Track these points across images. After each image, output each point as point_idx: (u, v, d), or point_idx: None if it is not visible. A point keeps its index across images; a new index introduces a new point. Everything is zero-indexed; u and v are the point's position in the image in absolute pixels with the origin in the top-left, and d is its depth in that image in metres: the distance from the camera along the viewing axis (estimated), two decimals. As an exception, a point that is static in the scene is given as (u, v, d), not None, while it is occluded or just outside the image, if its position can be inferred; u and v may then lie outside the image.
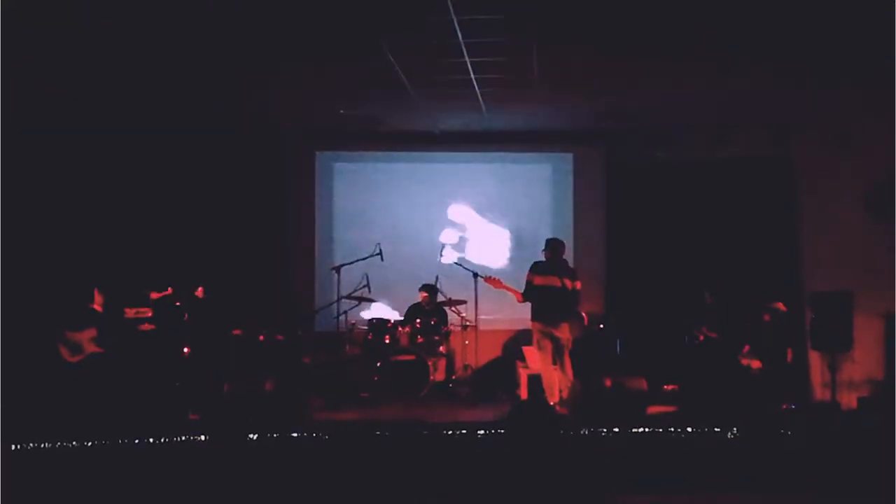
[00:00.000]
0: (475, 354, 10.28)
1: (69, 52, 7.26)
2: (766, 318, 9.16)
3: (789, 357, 9.08)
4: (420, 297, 10.24)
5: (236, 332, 9.43)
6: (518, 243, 11.03)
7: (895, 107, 7.57)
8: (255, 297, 10.02)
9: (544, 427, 6.44)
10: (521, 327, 9.98)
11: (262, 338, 9.44)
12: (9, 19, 6.00)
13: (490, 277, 8.81)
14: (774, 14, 6.41)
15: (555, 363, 8.50)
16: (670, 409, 8.69)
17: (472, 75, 8.01)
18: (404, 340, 9.89)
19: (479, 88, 8.51)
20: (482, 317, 10.08)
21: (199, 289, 8.84)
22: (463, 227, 11.14)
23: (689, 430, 7.16)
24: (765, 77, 8.15)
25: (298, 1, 6.21)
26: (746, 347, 9.12)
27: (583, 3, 6.27)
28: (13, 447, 6.53)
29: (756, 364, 8.97)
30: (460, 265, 9.99)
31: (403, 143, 11.00)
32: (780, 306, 9.23)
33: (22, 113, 8.73)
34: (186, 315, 8.92)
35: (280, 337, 9.56)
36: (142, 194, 10.29)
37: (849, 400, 9.46)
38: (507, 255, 11.02)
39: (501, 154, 11.22)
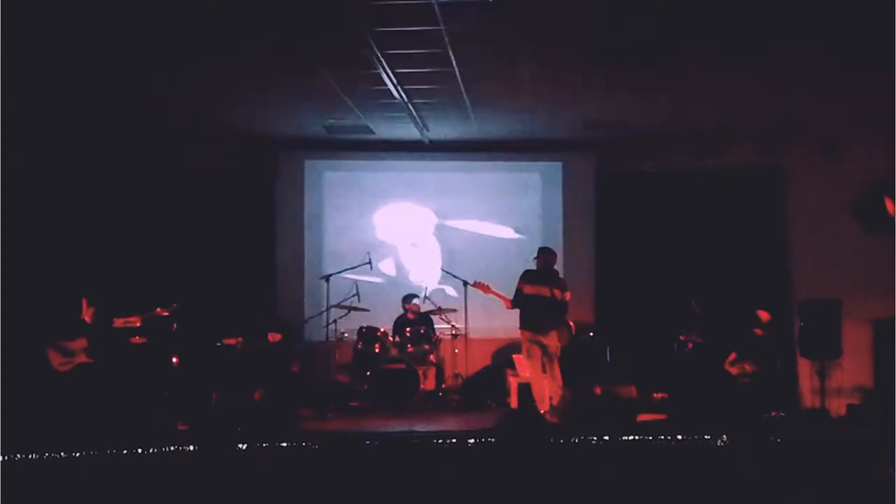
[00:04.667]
0: (465, 363, 10.27)
1: (54, 54, 7.22)
2: (759, 332, 9.18)
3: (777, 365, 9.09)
4: (403, 307, 10.24)
5: (225, 341, 9.39)
6: (507, 252, 11.01)
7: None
8: (245, 306, 9.99)
9: (534, 438, 6.45)
10: (510, 336, 9.97)
11: (251, 347, 9.40)
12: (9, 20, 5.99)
13: (479, 283, 8.85)
14: (766, 22, 6.44)
15: (544, 371, 8.52)
16: (660, 416, 8.70)
17: (461, 83, 8.02)
18: (394, 349, 9.88)
19: (467, 96, 8.53)
20: (472, 325, 10.07)
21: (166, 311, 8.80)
22: (453, 236, 11.13)
23: (679, 437, 7.17)
24: (755, 86, 8.19)
25: (288, 11, 6.22)
26: (733, 355, 9.14)
27: (575, 11, 6.29)
28: (1, 458, 6.49)
29: (744, 369, 8.98)
30: (450, 273, 9.99)
31: (393, 151, 10.99)
32: (763, 315, 9.23)
33: (12, 123, 8.70)
34: (175, 325, 8.88)
35: (269, 346, 9.52)
36: (130, 204, 10.25)
37: (838, 407, 9.50)
38: (497, 263, 11.00)
39: (491, 163, 11.23)
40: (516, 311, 8.72)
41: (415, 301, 10.22)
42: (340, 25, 6.38)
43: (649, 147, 10.65)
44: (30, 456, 6.66)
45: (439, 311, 10.19)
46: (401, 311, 10.34)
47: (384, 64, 7.32)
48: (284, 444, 7.06)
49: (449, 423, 8.75)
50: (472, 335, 10.23)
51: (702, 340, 9.56)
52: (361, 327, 10.08)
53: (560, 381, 8.52)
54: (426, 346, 9.93)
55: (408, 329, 9.96)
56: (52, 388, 8.03)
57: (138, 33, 6.67)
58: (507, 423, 8.08)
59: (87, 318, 8.41)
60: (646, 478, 6.73)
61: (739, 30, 6.62)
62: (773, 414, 8.77)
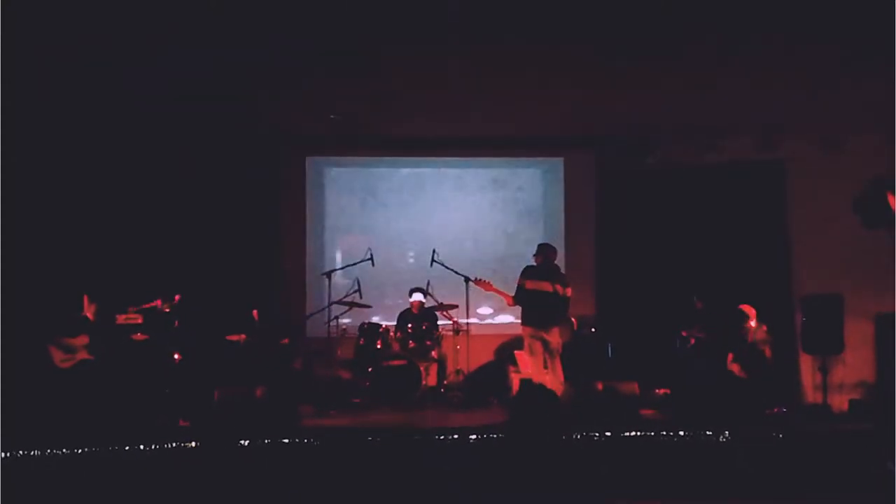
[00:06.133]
0: (467, 359, 10.25)
1: (55, 51, 7.22)
2: (750, 326, 9.10)
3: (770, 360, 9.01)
4: (410, 302, 10.22)
5: (228, 338, 9.38)
6: (509, 248, 11.02)
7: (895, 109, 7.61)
8: (247, 302, 9.96)
9: (548, 413, 6.47)
10: (512, 332, 9.97)
11: (252, 343, 9.39)
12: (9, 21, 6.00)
13: (480, 280, 8.86)
14: (767, 17, 6.44)
15: (546, 367, 8.52)
16: (662, 412, 8.69)
17: (463, 80, 8.03)
18: (396, 345, 9.87)
19: (469, 94, 8.53)
20: (473, 321, 10.06)
21: (176, 297, 8.80)
22: (454, 232, 11.11)
23: (681, 433, 7.16)
24: (756, 81, 8.18)
25: (288, 9, 6.22)
26: (731, 355, 9.10)
27: (574, 7, 6.29)
28: (3, 455, 6.50)
29: (741, 373, 8.96)
30: (451, 269, 9.97)
31: (395, 148, 10.99)
32: (747, 309, 9.14)
33: (12, 120, 8.70)
34: (176, 321, 8.88)
35: (271, 343, 9.51)
36: (132, 201, 10.24)
37: (840, 402, 9.48)
38: (498, 259, 11.00)
39: (492, 159, 11.23)
40: (517, 308, 8.73)
41: (416, 296, 10.18)
42: (340, 23, 6.38)
43: (650, 143, 10.63)
44: (31, 453, 6.66)
45: (441, 306, 10.18)
46: (403, 305, 10.32)
47: (384, 61, 7.32)
48: (286, 441, 7.05)
49: (451, 420, 8.74)
50: (473, 331, 10.21)
51: (703, 336, 9.55)
52: (363, 323, 10.07)
53: (562, 377, 8.52)
54: (428, 343, 9.92)
55: (409, 325, 9.94)
56: (54, 385, 8.03)
57: (138, 31, 6.67)
58: (522, 398, 7.96)
59: (89, 315, 8.41)
60: (648, 473, 6.74)
61: (740, 25, 6.61)
62: (774, 410, 8.75)
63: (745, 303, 9.14)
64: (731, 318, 9.16)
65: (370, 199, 11.21)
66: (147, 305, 8.76)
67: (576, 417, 7.77)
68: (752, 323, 8.96)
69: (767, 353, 8.93)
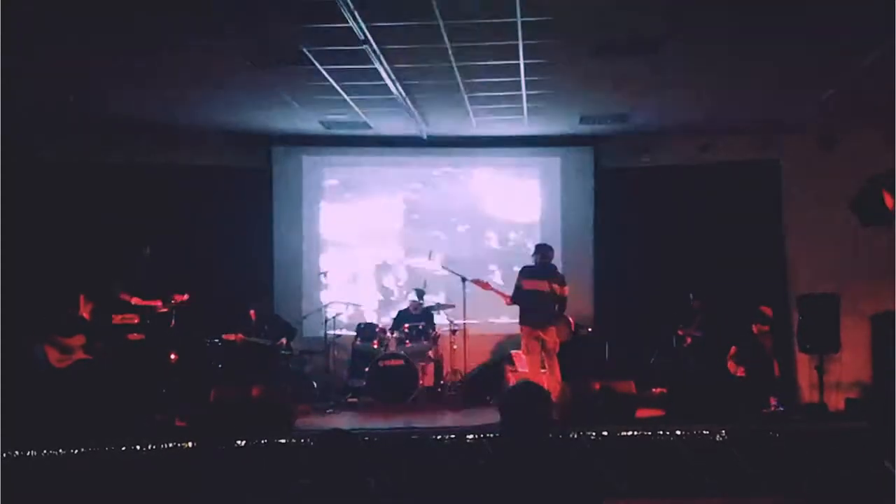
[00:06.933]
0: (464, 359, 10.24)
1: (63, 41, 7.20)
2: (765, 328, 9.12)
3: (777, 371, 9.02)
4: (407, 301, 10.22)
5: (224, 337, 9.37)
6: (506, 247, 11.02)
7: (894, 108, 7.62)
8: (243, 302, 9.95)
9: (538, 410, 6.40)
10: (509, 332, 9.96)
11: (249, 343, 9.38)
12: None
13: (478, 279, 8.88)
14: (763, 15, 6.44)
15: (543, 367, 8.53)
16: (659, 412, 8.69)
17: (460, 79, 8.02)
18: (392, 345, 9.85)
19: (466, 93, 8.52)
20: (470, 321, 10.06)
21: (185, 295, 8.78)
22: (452, 231, 11.11)
23: (678, 432, 7.17)
24: (752, 80, 8.18)
25: (284, 5, 6.20)
26: (733, 349, 9.12)
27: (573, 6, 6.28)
28: (1, 455, 6.48)
29: (741, 371, 8.98)
30: (449, 269, 9.97)
31: (391, 147, 10.97)
32: (767, 310, 9.19)
33: (11, 120, 8.67)
34: (173, 321, 8.87)
35: (267, 342, 9.50)
36: (128, 201, 10.22)
37: (836, 401, 9.48)
38: (496, 258, 11.00)
39: (489, 158, 11.22)
40: (515, 307, 8.74)
41: (412, 296, 10.17)
42: (337, 20, 6.36)
43: (647, 141, 10.62)
44: (28, 453, 6.66)
45: (438, 306, 10.17)
46: (400, 305, 10.31)
47: (382, 59, 7.30)
48: (282, 441, 7.05)
49: (447, 419, 8.74)
50: (470, 331, 10.20)
51: (700, 335, 9.56)
52: (360, 324, 10.07)
53: (559, 377, 8.52)
54: (425, 342, 9.91)
55: (406, 325, 9.93)
56: (50, 385, 8.01)
57: (136, 28, 6.66)
58: (511, 396, 7.95)
59: (86, 315, 8.39)
60: (645, 473, 6.75)
61: (737, 23, 6.61)
62: (772, 408, 8.76)
63: (743, 302, 9.17)
64: (740, 316, 9.19)
65: (366, 199, 11.19)
66: (145, 302, 8.76)
67: (573, 417, 7.77)
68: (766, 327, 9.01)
69: (773, 357, 8.98)
